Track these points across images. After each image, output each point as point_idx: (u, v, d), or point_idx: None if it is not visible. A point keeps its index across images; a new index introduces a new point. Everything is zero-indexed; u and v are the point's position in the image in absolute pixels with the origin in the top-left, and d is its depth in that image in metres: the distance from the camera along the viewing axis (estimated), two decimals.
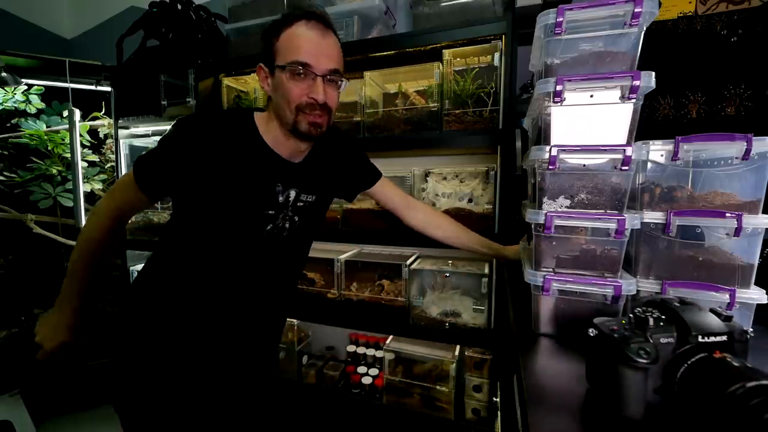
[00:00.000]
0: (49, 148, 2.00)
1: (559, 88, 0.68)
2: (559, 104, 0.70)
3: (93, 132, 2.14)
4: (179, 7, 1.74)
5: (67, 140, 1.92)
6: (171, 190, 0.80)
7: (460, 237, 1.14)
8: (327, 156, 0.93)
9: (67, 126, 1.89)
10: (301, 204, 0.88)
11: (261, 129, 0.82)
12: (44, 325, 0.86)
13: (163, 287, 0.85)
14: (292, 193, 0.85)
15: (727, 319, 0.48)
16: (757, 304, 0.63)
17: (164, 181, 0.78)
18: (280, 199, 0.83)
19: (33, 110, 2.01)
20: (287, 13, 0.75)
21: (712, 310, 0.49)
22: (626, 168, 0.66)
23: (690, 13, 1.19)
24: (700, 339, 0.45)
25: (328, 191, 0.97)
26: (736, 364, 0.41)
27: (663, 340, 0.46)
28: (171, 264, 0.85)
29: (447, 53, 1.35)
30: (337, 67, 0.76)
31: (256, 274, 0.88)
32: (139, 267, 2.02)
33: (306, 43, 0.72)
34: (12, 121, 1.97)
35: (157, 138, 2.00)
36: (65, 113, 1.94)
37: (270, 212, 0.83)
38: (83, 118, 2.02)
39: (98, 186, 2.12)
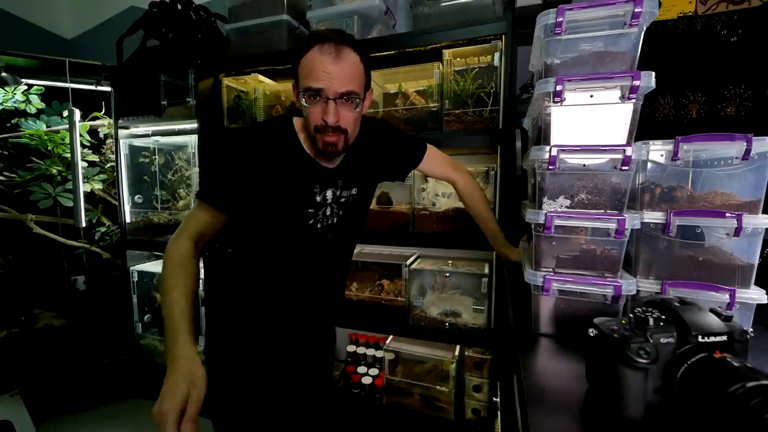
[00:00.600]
0: (49, 148, 2.00)
1: (559, 88, 0.68)
2: (559, 104, 0.70)
3: (93, 132, 2.13)
4: (179, 7, 1.74)
5: (67, 140, 1.91)
6: (240, 202, 0.83)
7: (487, 224, 1.16)
8: (365, 151, 0.95)
9: (67, 126, 1.88)
10: (344, 199, 0.93)
11: (300, 136, 0.87)
12: (173, 385, 0.63)
13: (235, 291, 0.95)
14: (329, 193, 0.90)
15: (727, 319, 0.48)
16: (757, 304, 0.63)
17: (234, 195, 0.82)
18: (318, 198, 0.88)
19: (33, 110, 2.00)
20: (308, 37, 0.79)
21: (712, 310, 0.49)
22: (626, 168, 0.66)
23: (690, 13, 1.19)
24: (700, 339, 0.45)
25: (369, 182, 1.02)
26: (736, 364, 0.41)
27: (663, 340, 0.46)
28: (239, 268, 0.94)
29: (447, 53, 1.35)
30: (351, 89, 0.77)
31: (309, 271, 0.94)
32: (140, 267, 2.04)
33: (318, 68, 0.75)
34: (12, 121, 1.97)
35: (158, 138, 2.00)
36: (65, 113, 1.94)
37: (309, 210, 0.88)
38: (83, 118, 2.02)
39: (98, 186, 2.12)
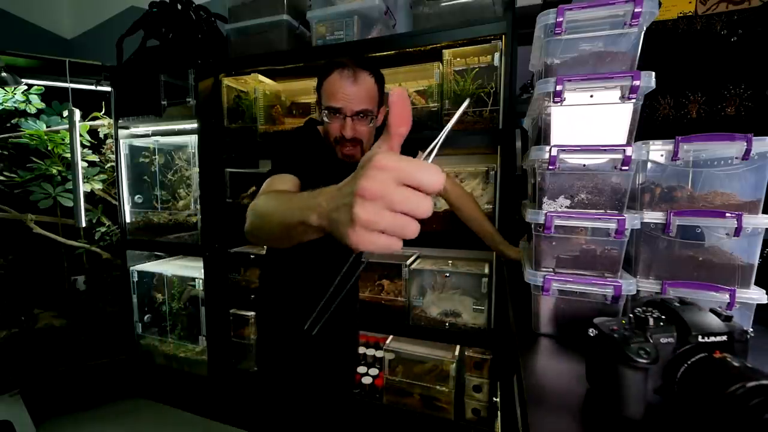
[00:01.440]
0: (49, 148, 2.00)
1: (559, 88, 0.68)
2: (559, 104, 0.70)
3: (93, 132, 2.13)
4: (179, 7, 1.74)
5: (67, 140, 1.91)
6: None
7: (481, 225, 1.20)
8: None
9: (67, 126, 1.88)
10: None
11: (327, 141, 0.98)
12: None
13: (276, 290, 1.07)
14: None
15: (727, 319, 0.48)
16: (757, 304, 0.63)
17: (294, 162, 0.89)
18: None
19: (33, 110, 2.00)
20: (328, 62, 0.93)
21: (712, 310, 0.49)
22: (626, 168, 0.66)
23: (690, 13, 1.19)
24: (700, 339, 0.45)
25: None
26: (736, 364, 0.41)
27: (663, 340, 0.46)
28: (278, 269, 1.06)
29: (447, 53, 1.35)
30: (366, 107, 0.91)
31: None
32: (140, 267, 2.04)
33: (337, 90, 0.89)
34: (12, 121, 1.96)
35: (158, 138, 2.00)
36: (65, 113, 1.93)
37: None
38: (83, 118, 2.02)
39: (98, 186, 2.12)
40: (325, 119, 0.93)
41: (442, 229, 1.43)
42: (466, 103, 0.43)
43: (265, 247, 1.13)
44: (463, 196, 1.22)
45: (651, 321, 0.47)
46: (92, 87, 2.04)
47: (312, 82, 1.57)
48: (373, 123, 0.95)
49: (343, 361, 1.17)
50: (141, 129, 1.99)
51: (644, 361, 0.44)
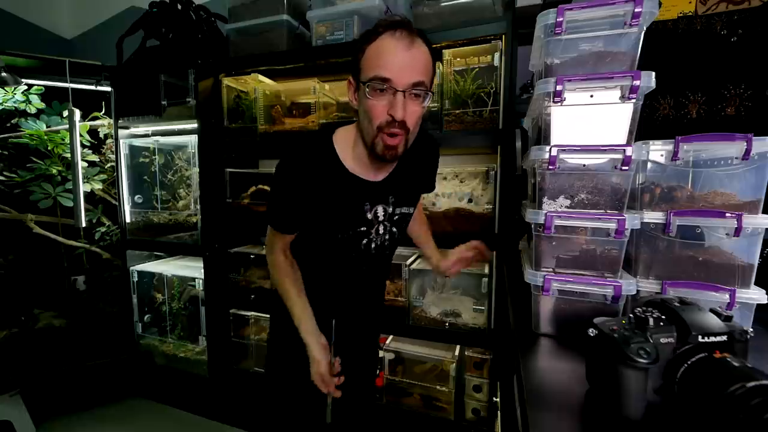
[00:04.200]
0: (49, 148, 2.00)
1: (559, 88, 0.68)
2: (559, 104, 0.70)
3: (93, 132, 2.13)
4: (179, 7, 1.74)
5: (67, 140, 1.91)
6: (303, 222, 0.89)
7: (419, 236, 1.16)
8: (413, 163, 0.90)
9: (67, 126, 1.88)
10: (398, 216, 0.92)
11: (341, 151, 0.83)
12: (317, 355, 0.90)
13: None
14: (380, 210, 0.88)
15: (727, 319, 0.48)
16: (757, 304, 0.63)
17: (296, 220, 0.88)
18: (369, 216, 0.87)
19: (33, 110, 2.00)
20: (375, 25, 0.72)
21: (712, 310, 0.49)
22: (626, 168, 0.66)
23: (690, 13, 1.19)
24: (700, 339, 0.45)
25: (417, 195, 1.00)
26: (736, 364, 0.41)
27: (663, 340, 0.46)
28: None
29: (447, 53, 1.35)
30: (422, 79, 0.71)
31: (358, 285, 0.98)
32: (140, 267, 2.04)
33: (389, 55, 0.69)
34: (12, 121, 1.96)
35: (158, 138, 2.00)
36: (65, 113, 1.93)
37: (362, 229, 0.87)
38: (83, 118, 2.02)
39: (98, 186, 2.12)
40: (368, 97, 0.71)
41: (442, 230, 1.43)
42: None
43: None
44: (424, 219, 1.18)
45: (651, 321, 0.47)
46: (92, 87, 2.04)
47: (312, 82, 1.58)
48: (425, 105, 0.74)
49: (362, 366, 1.10)
50: (141, 129, 1.99)
51: (644, 361, 0.44)
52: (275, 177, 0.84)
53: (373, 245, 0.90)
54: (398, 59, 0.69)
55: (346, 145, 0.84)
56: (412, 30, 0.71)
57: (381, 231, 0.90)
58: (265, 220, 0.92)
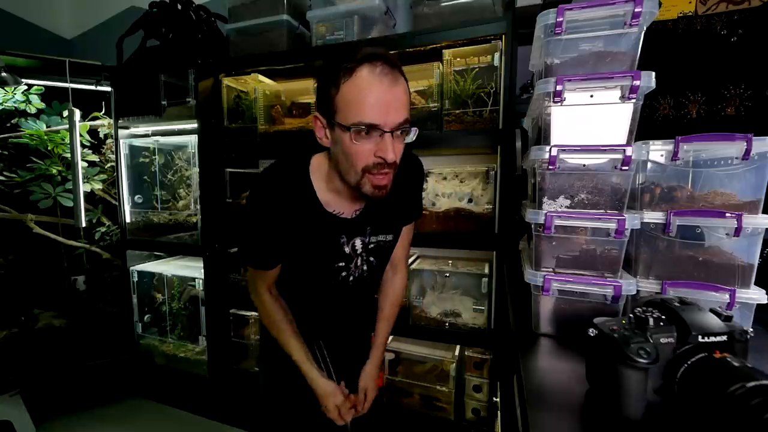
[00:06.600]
0: (49, 148, 2.00)
1: (559, 88, 0.68)
2: (559, 104, 0.70)
3: (93, 132, 2.13)
4: (179, 7, 1.74)
5: (67, 140, 1.91)
6: (281, 255, 0.85)
7: (380, 317, 1.04)
8: (393, 189, 0.77)
9: (67, 126, 1.88)
10: (373, 245, 0.87)
11: (316, 184, 0.78)
12: (323, 392, 0.90)
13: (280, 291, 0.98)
14: (358, 242, 0.84)
15: (727, 319, 0.48)
16: (757, 304, 0.63)
17: (272, 255, 0.84)
18: (347, 249, 0.84)
19: (33, 110, 2.00)
20: (348, 54, 0.64)
21: (712, 310, 0.49)
22: (626, 168, 0.66)
23: (690, 13, 1.19)
24: (700, 339, 0.45)
25: (400, 223, 0.93)
26: (736, 364, 0.41)
27: (663, 340, 0.46)
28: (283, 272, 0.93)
29: (447, 53, 1.35)
30: (407, 116, 0.66)
31: (342, 309, 0.95)
32: (140, 267, 2.04)
33: (372, 98, 0.62)
34: (12, 121, 1.96)
35: (158, 138, 2.00)
36: (65, 113, 1.93)
37: (340, 264, 0.85)
38: (83, 118, 2.02)
39: (98, 186, 2.12)
40: (352, 142, 0.64)
41: (442, 230, 1.43)
42: None
43: None
44: (401, 293, 1.06)
45: (651, 321, 0.47)
46: (92, 87, 2.04)
47: (312, 82, 1.57)
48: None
49: (356, 364, 1.04)
50: (141, 129, 1.99)
51: (644, 361, 0.44)
52: (247, 210, 0.79)
53: (351, 278, 0.87)
54: (384, 101, 0.63)
55: (320, 177, 0.78)
56: (391, 62, 0.64)
57: (359, 263, 0.86)
58: (241, 262, 0.88)
